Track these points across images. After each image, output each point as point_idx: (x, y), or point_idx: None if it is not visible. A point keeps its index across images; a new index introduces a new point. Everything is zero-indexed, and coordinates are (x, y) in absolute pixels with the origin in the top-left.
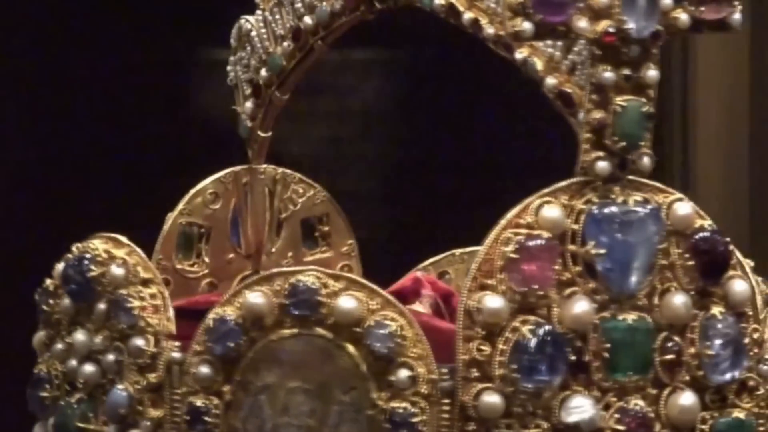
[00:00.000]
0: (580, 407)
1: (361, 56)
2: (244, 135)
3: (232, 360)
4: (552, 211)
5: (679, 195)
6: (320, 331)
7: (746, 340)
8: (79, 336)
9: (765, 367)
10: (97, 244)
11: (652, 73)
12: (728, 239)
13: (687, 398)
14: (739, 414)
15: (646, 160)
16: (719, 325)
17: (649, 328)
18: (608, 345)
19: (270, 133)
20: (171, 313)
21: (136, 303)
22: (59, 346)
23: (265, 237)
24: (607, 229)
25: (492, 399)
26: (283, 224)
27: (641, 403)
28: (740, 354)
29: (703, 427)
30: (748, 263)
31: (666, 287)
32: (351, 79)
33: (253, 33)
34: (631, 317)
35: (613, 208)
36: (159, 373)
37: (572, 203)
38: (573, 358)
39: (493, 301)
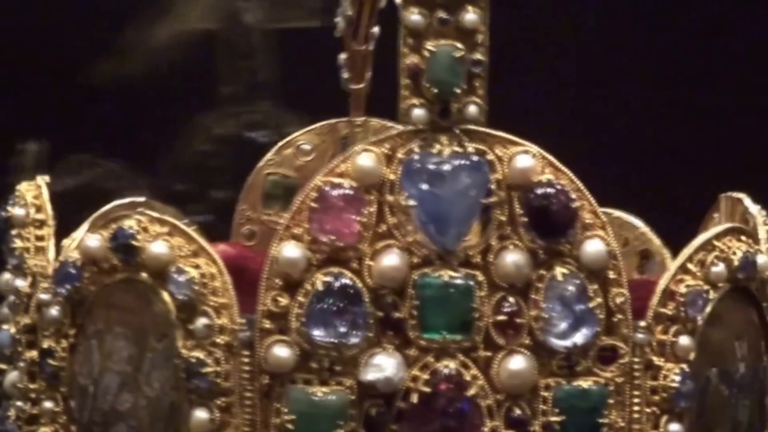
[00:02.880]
0: (380, 365)
1: None
2: (343, 87)
3: (76, 303)
4: (365, 160)
5: (525, 147)
6: (143, 275)
7: (593, 304)
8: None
9: (640, 336)
10: (22, 187)
11: (471, 16)
12: (575, 195)
13: (517, 362)
14: (583, 383)
15: (472, 109)
16: (561, 287)
17: (468, 287)
18: (418, 302)
19: (362, 85)
20: (52, 254)
21: (19, 244)
22: None
23: None
24: (418, 180)
25: (282, 352)
26: None
27: (452, 364)
28: (586, 319)
29: (545, 394)
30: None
31: (505, 245)
32: None
33: None
34: (448, 274)
35: (427, 159)
36: (32, 314)
37: (395, 153)
38: (381, 314)
39: (290, 251)
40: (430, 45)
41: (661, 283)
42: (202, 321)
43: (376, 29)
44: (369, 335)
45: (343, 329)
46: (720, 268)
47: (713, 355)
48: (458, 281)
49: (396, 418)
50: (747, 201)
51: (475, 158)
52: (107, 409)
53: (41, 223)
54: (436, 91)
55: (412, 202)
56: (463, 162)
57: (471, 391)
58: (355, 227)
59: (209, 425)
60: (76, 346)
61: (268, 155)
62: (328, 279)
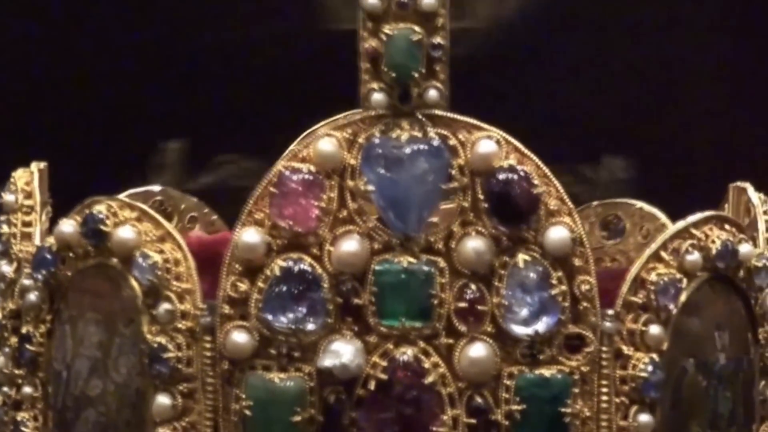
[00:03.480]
0: (337, 352)
1: None
2: None
3: (53, 288)
4: (325, 145)
5: (489, 132)
6: (113, 261)
7: (556, 292)
8: None
9: (608, 324)
10: (17, 173)
11: (429, 0)
12: (539, 182)
13: (477, 350)
14: (546, 371)
15: (432, 93)
16: (522, 274)
17: (428, 273)
18: (376, 289)
19: None
20: (38, 240)
21: (6, 229)
22: None
23: None
24: (376, 165)
25: (240, 338)
26: None
27: (411, 352)
28: (548, 307)
29: (508, 383)
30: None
31: (467, 231)
32: None
33: None
34: (407, 260)
35: (386, 144)
36: (17, 300)
37: (356, 138)
38: (340, 300)
39: (250, 236)
40: (387, 29)
41: (632, 271)
42: (164, 306)
43: None
44: (328, 321)
45: (300, 315)
46: (695, 256)
47: (690, 345)
48: (417, 268)
49: (355, 405)
50: (750, 190)
51: (435, 143)
52: (78, 395)
53: (30, 209)
54: (393, 75)
55: (371, 188)
56: (421, 147)
57: (429, 379)
58: (313, 213)
59: (171, 411)
60: (52, 331)
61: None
62: (285, 264)
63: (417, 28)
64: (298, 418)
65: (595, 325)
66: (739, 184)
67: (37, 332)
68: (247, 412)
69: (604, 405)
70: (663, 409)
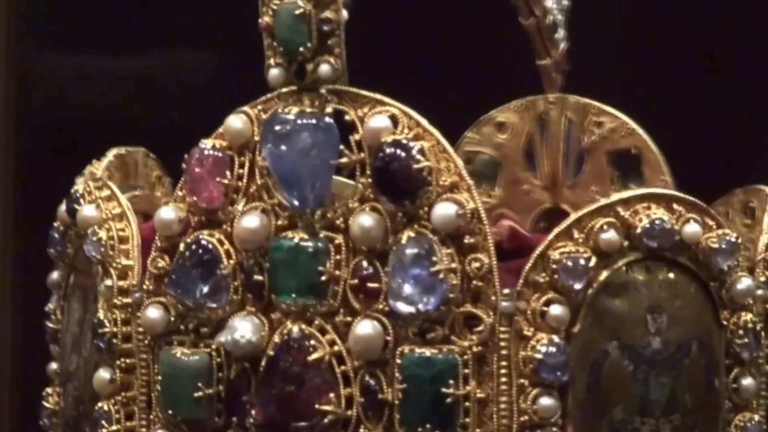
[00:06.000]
0: (233, 328)
1: None
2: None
3: (65, 267)
4: (235, 122)
5: (386, 107)
6: None
7: (443, 269)
8: None
9: (505, 304)
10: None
11: None
12: (428, 156)
13: (364, 328)
14: (428, 351)
15: (324, 68)
16: (408, 251)
17: (317, 249)
18: (268, 265)
19: (546, 60)
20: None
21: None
22: None
23: (561, 168)
24: (266, 140)
25: (152, 314)
26: (585, 156)
27: (297, 328)
28: (435, 285)
29: (399, 361)
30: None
31: (363, 207)
32: None
33: None
34: (300, 237)
35: (275, 119)
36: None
37: (263, 114)
38: (242, 277)
39: (166, 213)
40: (275, 3)
41: (537, 250)
42: (106, 282)
43: (549, 2)
44: (234, 298)
45: (206, 291)
46: (610, 234)
47: (613, 327)
48: (307, 244)
49: (252, 382)
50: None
51: (325, 118)
52: (65, 369)
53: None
54: (281, 49)
55: (265, 163)
56: (306, 121)
57: (313, 356)
58: (219, 190)
59: (110, 386)
60: (63, 308)
61: (468, 132)
62: (189, 241)
63: (301, 2)
64: (200, 394)
65: (491, 305)
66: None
67: (57, 309)
68: (158, 387)
69: (504, 387)
70: (576, 393)
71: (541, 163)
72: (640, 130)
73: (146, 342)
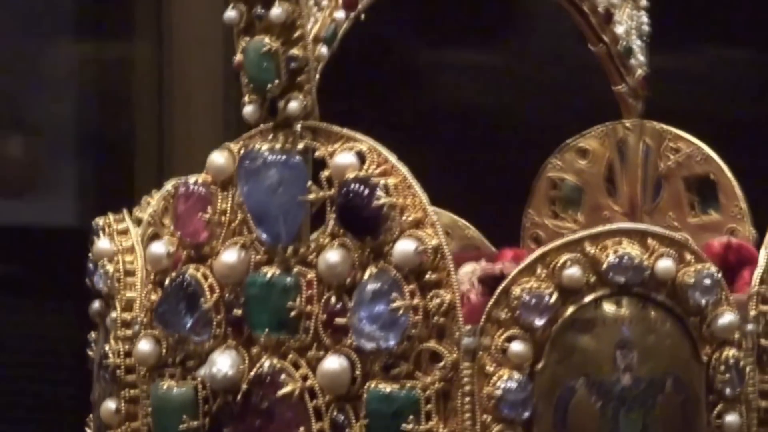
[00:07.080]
0: (213, 361)
1: None
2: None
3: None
4: (217, 158)
5: (354, 143)
6: None
7: (403, 306)
8: None
9: (468, 340)
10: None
11: (276, 11)
12: (389, 194)
13: (330, 363)
14: (389, 387)
15: (292, 105)
16: (369, 288)
17: (286, 285)
18: (243, 300)
19: (622, 87)
20: None
21: None
22: None
23: (640, 194)
24: (239, 177)
25: (143, 346)
26: (662, 182)
27: (269, 363)
28: (395, 321)
29: (365, 396)
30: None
31: (333, 243)
32: None
33: None
34: (272, 272)
35: (248, 156)
36: None
37: (242, 150)
38: (223, 311)
39: (156, 247)
40: (244, 42)
41: (500, 286)
42: (111, 315)
43: (620, 29)
44: (218, 332)
45: (188, 325)
46: (573, 270)
47: (580, 363)
48: (278, 279)
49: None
50: None
51: (295, 156)
52: (93, 398)
53: None
54: (251, 86)
55: (240, 199)
56: (275, 158)
57: (282, 391)
58: (201, 224)
59: (116, 416)
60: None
61: (551, 158)
62: (175, 275)
63: (267, 39)
64: (184, 426)
65: (453, 341)
66: None
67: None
68: (149, 419)
69: (468, 423)
70: (542, 429)
71: (621, 189)
72: (714, 156)
73: (142, 374)
